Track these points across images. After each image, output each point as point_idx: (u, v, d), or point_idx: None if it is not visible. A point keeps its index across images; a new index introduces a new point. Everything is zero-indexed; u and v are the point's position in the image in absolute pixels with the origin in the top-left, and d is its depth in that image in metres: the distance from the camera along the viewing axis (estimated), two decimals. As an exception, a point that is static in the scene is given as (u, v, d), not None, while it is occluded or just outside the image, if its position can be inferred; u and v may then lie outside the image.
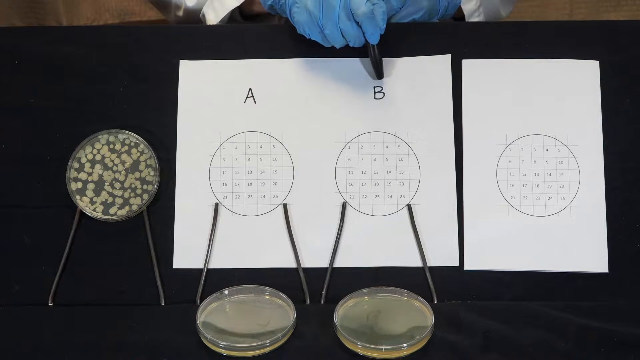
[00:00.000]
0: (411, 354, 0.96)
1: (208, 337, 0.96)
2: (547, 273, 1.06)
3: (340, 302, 1.01)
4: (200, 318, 0.99)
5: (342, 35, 1.04)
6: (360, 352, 0.96)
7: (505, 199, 1.08)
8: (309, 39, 1.09)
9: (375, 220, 1.09)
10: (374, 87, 1.12)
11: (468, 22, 1.23)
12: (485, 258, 1.06)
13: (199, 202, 1.09)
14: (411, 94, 1.11)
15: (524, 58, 1.12)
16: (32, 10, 1.89)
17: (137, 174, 1.09)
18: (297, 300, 1.03)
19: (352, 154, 1.11)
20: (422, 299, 1.01)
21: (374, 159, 1.10)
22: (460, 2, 1.19)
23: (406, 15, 1.13)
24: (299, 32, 1.06)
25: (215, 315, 1.00)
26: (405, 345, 0.95)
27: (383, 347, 0.96)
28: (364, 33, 1.04)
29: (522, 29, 1.15)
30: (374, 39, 1.05)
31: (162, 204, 1.07)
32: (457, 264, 1.07)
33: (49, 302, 1.06)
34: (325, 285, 1.06)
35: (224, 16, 1.21)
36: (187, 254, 1.07)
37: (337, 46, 1.06)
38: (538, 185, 1.08)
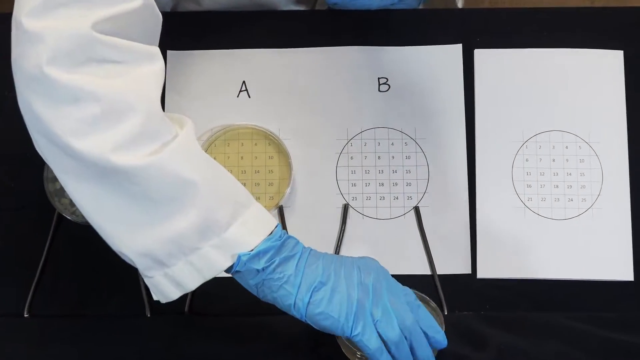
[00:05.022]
0: None
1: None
2: (567, 281, 1.05)
3: None
4: None
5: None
6: None
7: (521, 200, 1.07)
8: (309, 27, 1.09)
9: (380, 224, 1.07)
10: (379, 79, 1.11)
11: (481, 9, 1.27)
12: (499, 265, 1.05)
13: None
14: (419, 86, 1.10)
15: (541, 47, 1.11)
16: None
17: (120, 175, 1.05)
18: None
19: (354, 152, 1.09)
20: (433, 304, 0.96)
21: (379, 158, 1.09)
22: None
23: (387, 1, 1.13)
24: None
25: None
26: None
27: None
28: None
29: (540, 16, 1.13)
30: None
31: (147, 207, 1.02)
32: (469, 271, 1.06)
33: (25, 313, 1.04)
34: (326, 295, 1.03)
35: None
36: (175, 260, 1.06)
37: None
38: (557, 186, 1.07)
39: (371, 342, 0.85)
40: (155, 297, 0.88)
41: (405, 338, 0.87)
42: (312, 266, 0.86)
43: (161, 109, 0.83)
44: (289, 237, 0.87)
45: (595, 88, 1.09)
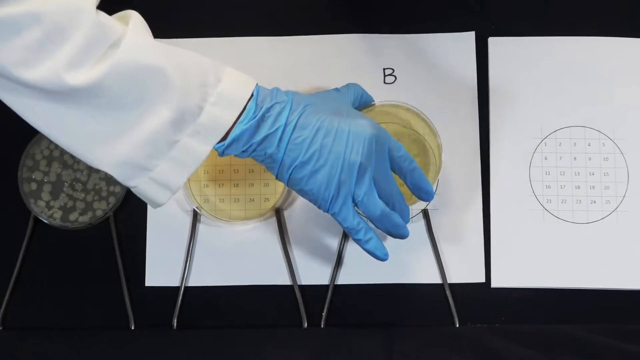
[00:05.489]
0: None
1: None
2: (589, 291, 1.03)
3: None
4: None
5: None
6: None
7: (539, 202, 1.05)
8: (308, 13, 1.09)
9: (385, 229, 1.06)
10: (384, 70, 1.09)
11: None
12: (516, 273, 1.03)
13: (175, 207, 1.06)
14: (428, 77, 1.09)
15: (561, 36, 1.09)
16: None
17: (101, 173, 1.05)
18: (293, 323, 1.02)
19: (357, 150, 1.09)
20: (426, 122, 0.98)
21: (383, 155, 1.09)
22: None
23: None
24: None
25: None
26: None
27: None
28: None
29: (561, 1, 1.11)
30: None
31: (131, 209, 1.03)
32: (482, 280, 1.04)
33: (-2, 325, 1.05)
34: (326, 306, 1.03)
35: None
36: (161, 268, 1.05)
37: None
38: (579, 187, 1.05)
39: (347, 221, 0.91)
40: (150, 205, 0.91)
41: (389, 204, 0.93)
42: (296, 140, 0.89)
43: (101, 12, 0.83)
44: (270, 106, 0.89)
45: (620, 80, 1.07)
